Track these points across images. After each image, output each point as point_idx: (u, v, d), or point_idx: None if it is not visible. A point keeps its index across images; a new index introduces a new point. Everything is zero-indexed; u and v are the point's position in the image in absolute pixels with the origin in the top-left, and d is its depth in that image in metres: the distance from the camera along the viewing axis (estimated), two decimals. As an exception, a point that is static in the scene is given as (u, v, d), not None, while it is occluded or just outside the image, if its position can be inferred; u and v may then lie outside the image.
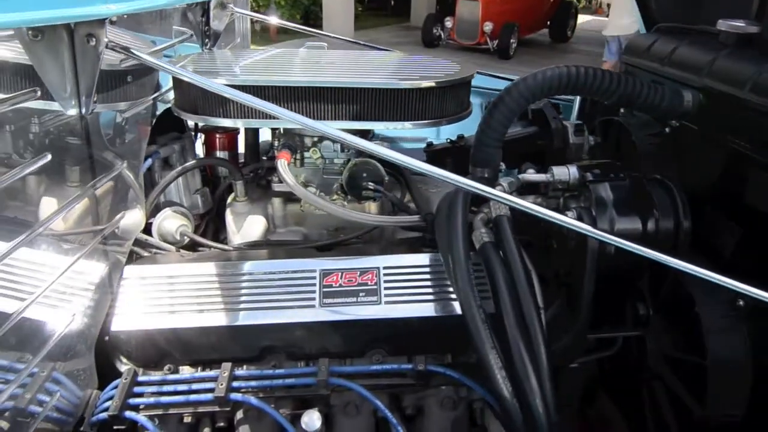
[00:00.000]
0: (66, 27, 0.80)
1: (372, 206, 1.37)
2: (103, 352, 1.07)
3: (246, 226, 1.36)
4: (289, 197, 1.39)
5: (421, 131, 1.94)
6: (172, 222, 1.32)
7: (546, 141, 1.61)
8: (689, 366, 1.11)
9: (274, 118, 1.21)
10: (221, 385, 1.01)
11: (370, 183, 1.28)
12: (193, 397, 1.02)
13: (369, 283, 1.12)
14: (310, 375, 1.04)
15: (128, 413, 0.99)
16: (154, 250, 1.27)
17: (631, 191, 1.14)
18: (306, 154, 1.37)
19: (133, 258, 1.22)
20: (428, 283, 1.13)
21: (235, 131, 1.55)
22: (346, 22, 10.05)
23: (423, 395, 1.08)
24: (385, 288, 1.12)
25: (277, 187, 1.37)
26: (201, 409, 1.03)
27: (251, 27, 2.09)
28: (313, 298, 1.10)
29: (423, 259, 1.16)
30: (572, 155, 1.53)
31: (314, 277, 1.13)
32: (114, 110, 1.20)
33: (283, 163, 1.23)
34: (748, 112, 1.08)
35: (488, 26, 8.78)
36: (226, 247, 1.33)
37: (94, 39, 0.82)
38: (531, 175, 1.20)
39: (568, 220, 0.90)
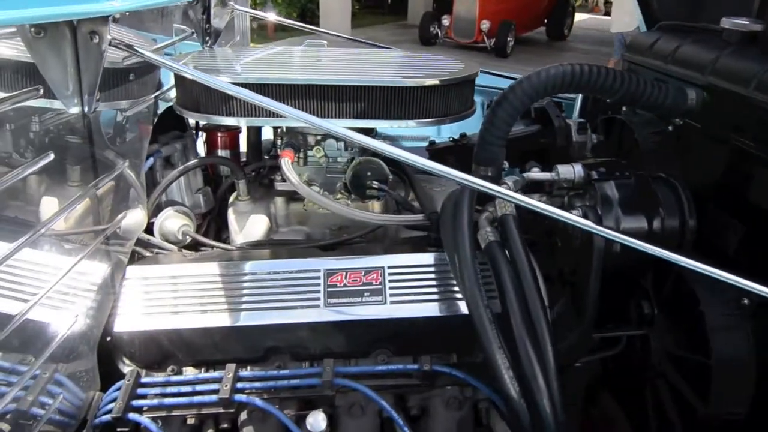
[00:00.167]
0: (69, 24, 0.79)
1: (376, 205, 1.36)
2: (105, 353, 1.06)
3: (248, 225, 1.35)
4: (292, 196, 1.38)
5: (422, 130, 1.94)
6: (174, 222, 1.31)
7: (549, 139, 1.60)
8: (693, 364, 1.11)
9: (277, 115, 1.20)
10: (225, 386, 1.00)
11: (374, 182, 1.28)
12: (197, 398, 1.01)
13: (374, 282, 1.12)
14: (315, 376, 1.03)
15: (131, 415, 0.98)
16: (156, 250, 1.26)
17: (637, 190, 1.14)
18: (309, 153, 1.36)
19: (135, 258, 1.21)
20: (433, 282, 1.13)
21: (237, 130, 1.54)
22: (343, 20, 10.03)
23: (428, 395, 1.07)
24: (390, 288, 1.11)
25: (279, 186, 1.36)
26: (205, 411, 1.02)
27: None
28: (318, 298, 1.10)
29: (428, 258, 1.16)
30: (575, 153, 1.53)
31: (318, 277, 1.12)
32: (116, 109, 1.18)
33: (287, 162, 1.22)
34: (752, 109, 1.08)
35: (485, 24, 8.78)
36: (228, 246, 1.32)
37: (97, 36, 0.81)
38: (536, 173, 1.20)
39: (578, 219, 0.89)
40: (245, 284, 1.11)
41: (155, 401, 1.01)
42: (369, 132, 1.42)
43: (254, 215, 1.37)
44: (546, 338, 0.93)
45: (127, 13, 1.29)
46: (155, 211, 1.33)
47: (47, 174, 1.10)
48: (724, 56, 1.19)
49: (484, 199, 1.14)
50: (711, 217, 1.16)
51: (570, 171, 1.17)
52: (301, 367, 1.09)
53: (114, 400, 0.99)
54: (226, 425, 1.04)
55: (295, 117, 0.85)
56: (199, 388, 1.03)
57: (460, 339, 1.08)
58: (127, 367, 1.08)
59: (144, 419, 0.98)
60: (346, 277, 1.12)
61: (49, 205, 1.09)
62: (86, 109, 0.85)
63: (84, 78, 0.83)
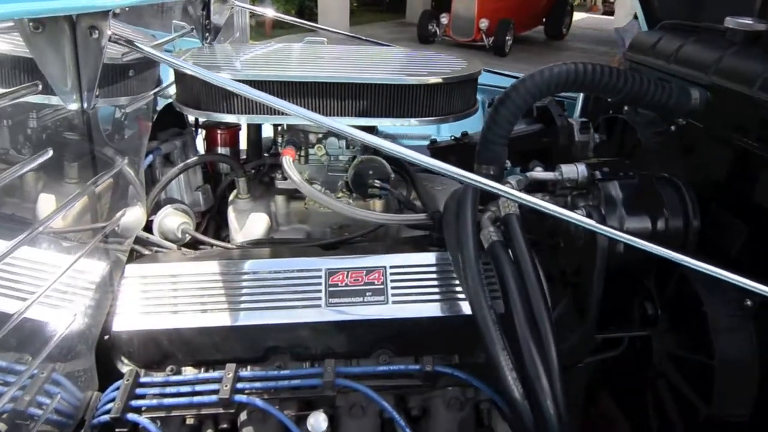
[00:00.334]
0: (68, 19, 0.77)
1: (377, 204, 1.35)
2: (103, 353, 1.05)
3: (249, 223, 1.34)
4: (293, 194, 1.37)
5: (423, 128, 1.92)
6: (173, 219, 1.30)
7: (551, 138, 1.60)
8: (695, 365, 1.11)
9: (278, 113, 1.19)
10: (225, 386, 0.99)
11: (376, 180, 1.27)
12: (196, 398, 1.00)
13: (376, 282, 1.11)
14: (316, 376, 1.02)
15: (130, 415, 0.97)
16: (155, 249, 1.25)
17: (641, 190, 1.14)
18: (311, 151, 1.35)
19: (134, 256, 1.20)
20: (435, 282, 1.12)
21: (237, 127, 1.53)
22: (341, 18, 10.00)
23: (429, 396, 1.07)
24: (392, 287, 1.10)
25: (280, 184, 1.35)
26: (204, 411, 1.01)
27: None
28: (319, 298, 1.09)
29: (430, 258, 1.15)
30: (578, 153, 1.53)
31: (320, 277, 1.11)
32: (115, 105, 1.17)
33: (288, 160, 1.21)
34: (756, 109, 1.07)
35: (484, 23, 8.77)
36: (228, 245, 1.31)
37: (96, 31, 0.80)
38: (539, 173, 1.19)
39: (582, 219, 0.89)
40: (245, 283, 1.10)
41: (154, 401, 1.00)
42: (370, 131, 1.41)
43: (254, 213, 1.36)
44: (549, 339, 0.92)
45: (127, 9, 1.28)
46: (154, 208, 1.31)
47: (45, 171, 1.09)
48: (728, 56, 1.19)
49: (487, 198, 1.13)
50: (714, 218, 1.16)
51: (573, 171, 1.16)
52: (301, 368, 1.08)
53: (112, 400, 0.98)
54: (225, 426, 1.03)
55: (296, 114, 0.84)
56: (198, 388, 1.02)
57: (462, 339, 1.08)
58: (125, 367, 1.07)
59: (143, 419, 0.97)
60: (347, 277, 1.11)
61: (47, 203, 1.07)
62: (85, 105, 0.84)
63: (83, 74, 0.82)
